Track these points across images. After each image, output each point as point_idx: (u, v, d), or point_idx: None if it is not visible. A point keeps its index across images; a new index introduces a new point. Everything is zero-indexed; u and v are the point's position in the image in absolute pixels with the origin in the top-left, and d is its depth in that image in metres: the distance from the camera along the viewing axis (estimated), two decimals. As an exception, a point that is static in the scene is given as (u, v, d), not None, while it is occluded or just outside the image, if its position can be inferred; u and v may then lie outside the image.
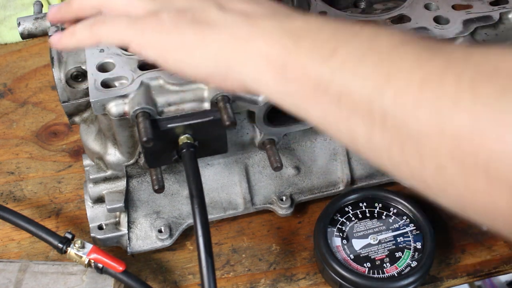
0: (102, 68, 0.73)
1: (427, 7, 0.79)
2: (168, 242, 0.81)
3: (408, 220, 0.81)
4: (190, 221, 0.82)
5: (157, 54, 0.60)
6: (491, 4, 0.78)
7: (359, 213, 0.82)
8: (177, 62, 0.60)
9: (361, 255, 0.78)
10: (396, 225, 0.81)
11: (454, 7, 0.78)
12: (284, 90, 0.54)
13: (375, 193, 0.83)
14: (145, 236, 0.81)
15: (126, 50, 0.74)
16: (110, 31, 0.62)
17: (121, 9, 0.63)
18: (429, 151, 0.45)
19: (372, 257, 0.78)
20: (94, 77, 0.71)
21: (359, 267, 0.77)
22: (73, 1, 0.68)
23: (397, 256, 0.78)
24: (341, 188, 0.86)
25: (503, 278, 1.48)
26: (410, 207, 0.82)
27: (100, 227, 0.80)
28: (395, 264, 0.77)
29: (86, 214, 0.81)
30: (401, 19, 0.77)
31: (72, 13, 0.68)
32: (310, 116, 0.54)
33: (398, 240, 0.80)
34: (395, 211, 0.82)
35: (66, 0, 0.70)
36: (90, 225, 0.80)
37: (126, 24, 0.61)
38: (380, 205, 0.83)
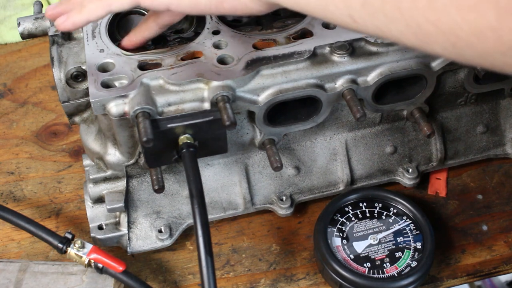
0: (102, 68, 0.73)
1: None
2: (168, 242, 0.81)
3: (408, 220, 0.81)
4: (190, 221, 0.82)
5: None
6: None
7: (359, 213, 0.82)
8: None
9: (361, 255, 0.78)
10: (396, 225, 0.81)
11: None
12: None
13: (375, 193, 0.83)
14: (145, 236, 0.81)
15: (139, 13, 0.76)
16: None
17: None
18: None
19: (372, 257, 0.78)
20: (94, 77, 0.71)
21: (359, 267, 0.77)
22: None
23: (397, 256, 0.78)
24: (341, 188, 0.86)
25: (503, 278, 1.48)
26: (410, 207, 0.82)
27: (100, 227, 0.80)
28: (395, 264, 0.77)
29: (86, 214, 0.81)
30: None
31: (72, 5, 0.69)
32: (310, 4, 0.58)
33: (398, 240, 0.80)
34: (395, 211, 0.82)
35: None
36: (90, 225, 0.80)
37: None
38: (380, 205, 0.83)
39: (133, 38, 0.76)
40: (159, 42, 0.81)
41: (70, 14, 0.68)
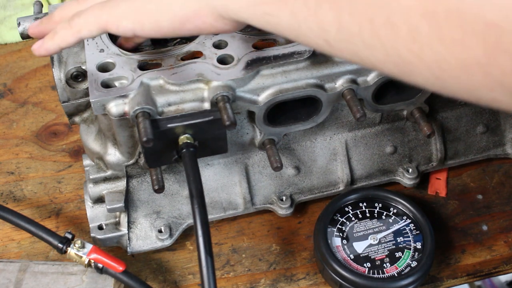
0: (102, 68, 0.73)
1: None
2: (168, 242, 0.81)
3: (408, 220, 0.81)
4: (190, 221, 0.82)
5: (133, 20, 0.64)
6: None
7: (359, 213, 0.82)
8: (153, 20, 0.63)
9: (361, 255, 0.78)
10: (396, 225, 0.81)
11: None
12: (254, 2, 0.57)
13: (375, 193, 0.83)
14: (145, 236, 0.81)
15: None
16: (87, 19, 0.66)
17: (93, 2, 0.68)
18: (400, 16, 0.45)
19: (372, 257, 0.78)
20: (94, 77, 0.71)
21: (359, 267, 0.77)
22: (54, 14, 0.71)
23: (397, 256, 0.78)
24: (341, 188, 0.86)
25: (503, 278, 1.48)
26: (410, 207, 0.82)
27: (100, 227, 0.80)
28: (395, 264, 0.77)
29: (86, 214, 0.81)
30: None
31: (53, 24, 0.70)
32: (281, 24, 0.55)
33: (398, 240, 0.80)
34: (395, 211, 0.82)
35: (47, 15, 0.72)
36: (90, 225, 0.80)
37: (99, 8, 0.65)
38: (380, 205, 0.83)
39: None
40: (159, 42, 0.81)
41: (44, 40, 0.68)
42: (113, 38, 0.78)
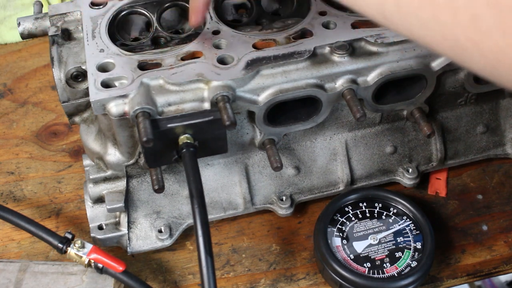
0: (102, 68, 0.73)
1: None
2: (168, 242, 0.81)
3: (408, 220, 0.81)
4: (190, 221, 0.82)
5: None
6: None
7: (359, 213, 0.82)
8: None
9: (361, 255, 0.78)
10: (396, 225, 0.81)
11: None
12: None
13: (375, 193, 0.83)
14: (145, 236, 0.81)
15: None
16: None
17: None
18: (464, 2, 0.43)
19: (372, 257, 0.78)
20: (94, 77, 0.71)
21: (359, 267, 0.77)
22: None
23: (397, 256, 0.78)
24: (341, 188, 0.86)
25: (503, 278, 1.48)
26: (410, 207, 0.82)
27: (100, 227, 0.80)
28: (395, 264, 0.77)
29: (86, 214, 0.81)
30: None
31: None
32: None
33: (398, 240, 0.80)
34: (395, 211, 0.82)
35: None
36: (90, 225, 0.80)
37: None
38: (380, 205, 0.83)
39: (195, 7, 0.72)
40: (159, 42, 0.81)
41: None
42: (113, 38, 0.78)
